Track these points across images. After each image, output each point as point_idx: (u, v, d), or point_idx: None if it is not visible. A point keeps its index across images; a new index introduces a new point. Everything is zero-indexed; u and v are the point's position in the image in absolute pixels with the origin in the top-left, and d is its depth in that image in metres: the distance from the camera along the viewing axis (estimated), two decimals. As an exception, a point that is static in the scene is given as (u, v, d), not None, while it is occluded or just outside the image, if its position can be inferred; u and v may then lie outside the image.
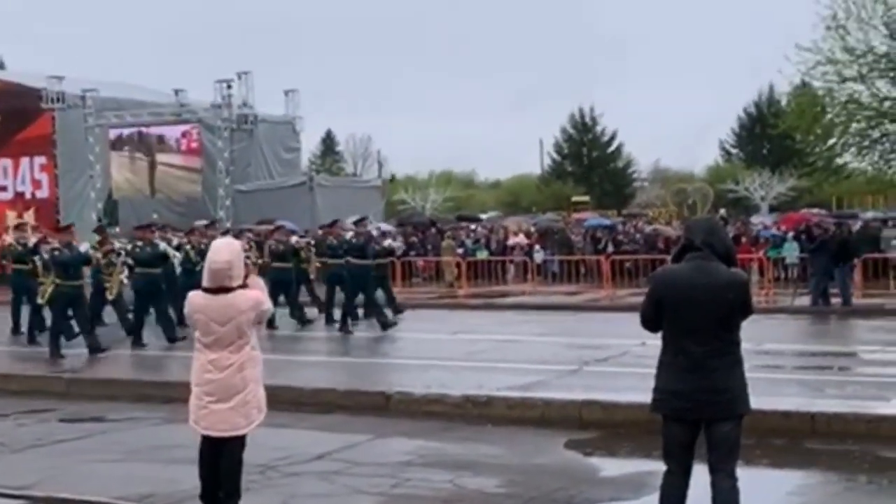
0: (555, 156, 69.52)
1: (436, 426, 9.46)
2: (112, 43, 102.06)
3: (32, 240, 17.66)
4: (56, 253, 14.48)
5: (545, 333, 16.34)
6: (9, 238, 18.85)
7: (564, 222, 37.89)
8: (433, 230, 31.50)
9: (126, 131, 35.41)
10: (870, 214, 31.82)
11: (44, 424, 10.19)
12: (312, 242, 19.74)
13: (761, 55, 73.88)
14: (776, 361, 12.46)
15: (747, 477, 5.65)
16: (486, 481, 7.52)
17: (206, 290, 6.45)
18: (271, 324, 16.19)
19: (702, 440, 5.49)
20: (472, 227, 34.31)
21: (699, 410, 5.37)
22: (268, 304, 6.59)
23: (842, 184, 36.21)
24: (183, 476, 7.16)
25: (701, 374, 5.35)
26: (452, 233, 29.81)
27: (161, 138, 35.10)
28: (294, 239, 19.27)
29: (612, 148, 69.06)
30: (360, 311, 17.71)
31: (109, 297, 16.01)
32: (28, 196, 36.72)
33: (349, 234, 17.75)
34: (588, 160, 67.95)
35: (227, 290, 6.37)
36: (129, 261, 15.84)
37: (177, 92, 37.48)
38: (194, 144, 34.64)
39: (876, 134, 28.88)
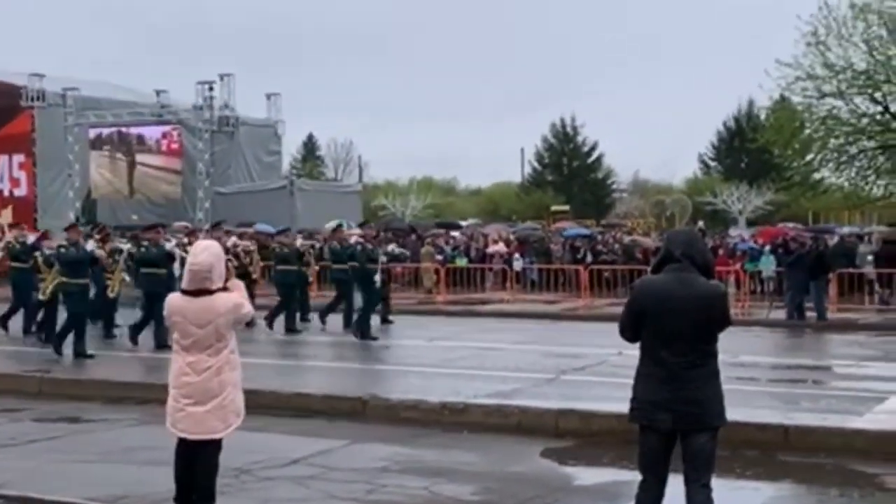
0: (535, 165, 69.86)
1: (412, 432, 9.45)
2: (94, 42, 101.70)
3: (31, 237, 17.63)
4: (62, 251, 14.45)
5: (523, 341, 16.37)
6: (8, 236, 18.82)
7: (544, 231, 38.02)
8: (413, 236, 31.51)
9: (106, 131, 35.22)
10: (846, 230, 32.07)
11: (16, 424, 10.10)
12: (316, 246, 19.86)
13: (741, 69, 74.31)
14: (751, 374, 12.54)
15: (722, 488, 5.70)
16: (461, 488, 7.52)
17: (186, 293, 6.43)
18: (292, 329, 17.29)
19: (677, 451, 5.52)
20: (452, 233, 34.36)
21: (676, 421, 5.40)
22: (248, 308, 6.57)
23: (819, 199, 36.44)
24: (157, 478, 7.12)
25: (678, 384, 5.38)
26: (432, 239, 29.82)
27: (141, 138, 34.95)
28: (299, 242, 19.44)
29: (593, 158, 69.50)
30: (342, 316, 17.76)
31: (111, 294, 16.02)
32: (6, 194, 36.49)
33: (353, 239, 17.79)
34: (568, 170, 68.31)
35: (207, 292, 6.35)
36: (130, 261, 15.89)
37: (158, 93, 37.36)
38: (174, 145, 34.51)
39: (854, 150, 29.11)
